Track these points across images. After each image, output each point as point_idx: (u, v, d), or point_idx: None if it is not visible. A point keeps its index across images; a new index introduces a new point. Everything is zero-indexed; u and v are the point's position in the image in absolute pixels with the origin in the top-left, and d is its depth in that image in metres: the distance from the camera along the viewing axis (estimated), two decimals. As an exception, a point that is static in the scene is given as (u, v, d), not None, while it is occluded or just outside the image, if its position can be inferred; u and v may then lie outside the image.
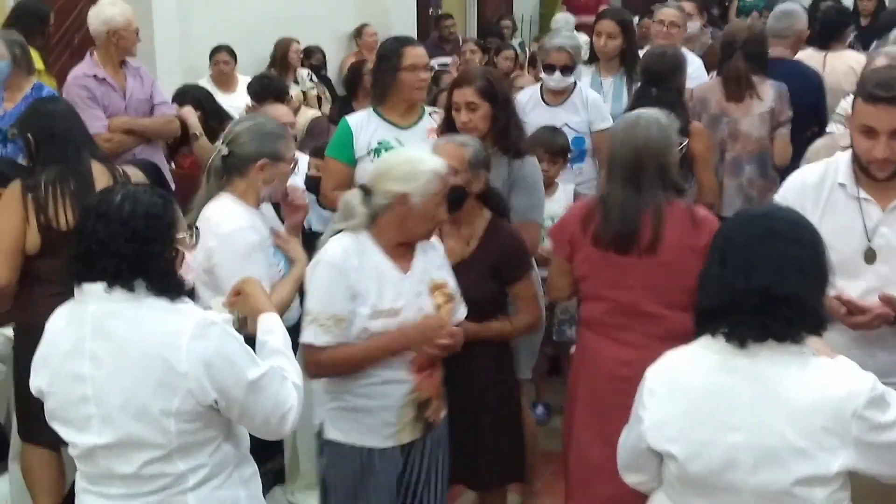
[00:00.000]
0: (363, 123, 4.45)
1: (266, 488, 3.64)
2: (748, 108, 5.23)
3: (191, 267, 2.64)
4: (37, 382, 2.61)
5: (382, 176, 3.20)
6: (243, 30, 8.31)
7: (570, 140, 5.13)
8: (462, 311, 3.44)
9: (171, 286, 2.53)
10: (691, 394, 2.39)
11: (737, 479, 2.33)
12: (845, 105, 4.27)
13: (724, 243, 2.42)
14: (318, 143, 5.35)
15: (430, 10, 11.90)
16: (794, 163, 4.67)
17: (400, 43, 4.55)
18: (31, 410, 3.43)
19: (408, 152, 3.51)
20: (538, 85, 5.43)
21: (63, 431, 2.60)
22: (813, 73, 5.79)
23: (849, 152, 3.18)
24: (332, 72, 9.49)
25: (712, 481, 2.36)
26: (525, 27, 12.96)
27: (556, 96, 5.26)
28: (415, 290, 3.25)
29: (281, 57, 8.40)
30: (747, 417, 2.31)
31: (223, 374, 2.49)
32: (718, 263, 2.39)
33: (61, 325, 2.58)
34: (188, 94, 5.99)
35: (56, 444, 3.45)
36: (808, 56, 6.27)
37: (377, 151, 4.37)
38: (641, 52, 5.94)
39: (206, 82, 7.34)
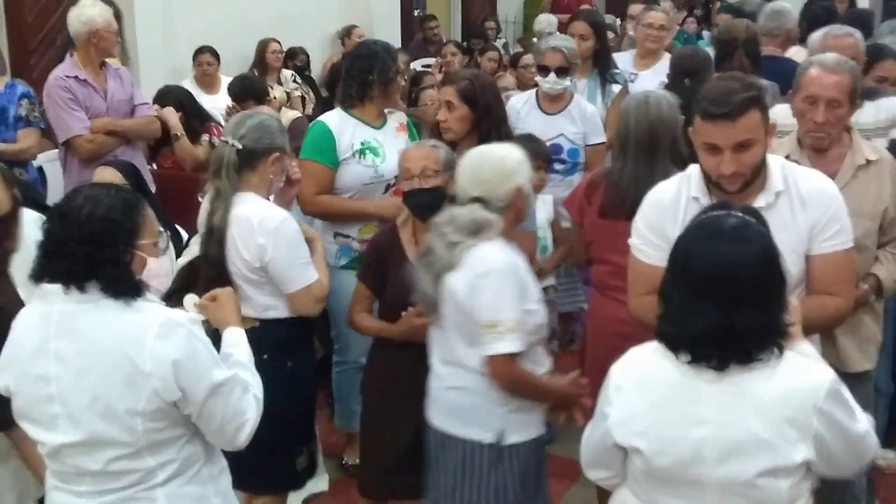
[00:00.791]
0: (342, 125, 4.41)
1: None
2: None
3: (157, 272, 2.63)
4: (3, 381, 2.63)
5: (492, 181, 3.21)
6: (227, 31, 8.32)
7: (566, 151, 5.10)
8: None
9: (124, 290, 2.51)
10: (658, 389, 2.41)
11: (702, 473, 2.37)
12: (771, 115, 4.27)
13: (682, 262, 2.40)
14: (300, 143, 5.36)
15: (416, 12, 11.93)
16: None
17: (392, 49, 4.57)
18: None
19: (480, 152, 3.36)
20: (534, 91, 5.34)
21: (31, 430, 2.62)
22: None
23: (699, 165, 3.10)
24: (316, 73, 9.50)
25: (678, 475, 2.39)
26: (509, 28, 12.99)
27: (553, 104, 5.18)
28: None
29: (260, 58, 8.42)
30: (713, 411, 2.34)
31: (187, 374, 2.51)
32: (679, 287, 2.38)
33: (28, 324, 2.60)
34: (169, 95, 6.02)
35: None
36: (797, 53, 6.44)
37: (362, 153, 4.36)
38: (618, 56, 6.00)
39: (189, 83, 7.35)
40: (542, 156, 4.78)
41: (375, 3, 10.65)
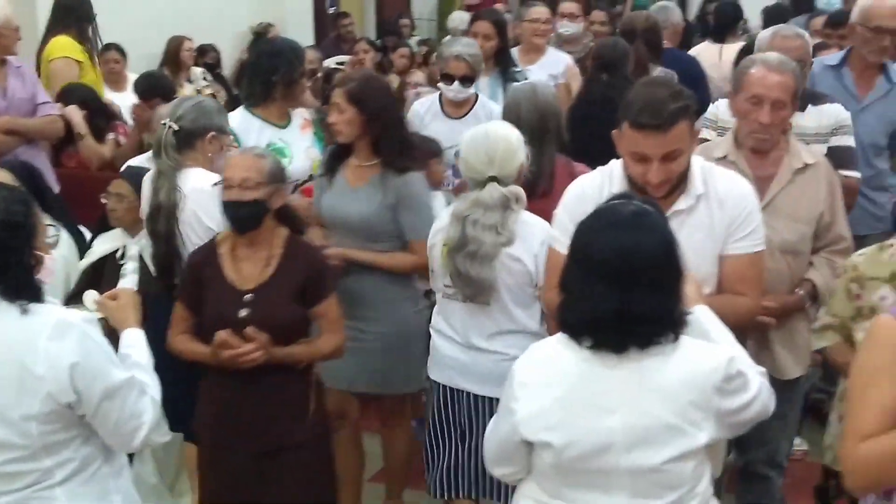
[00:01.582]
0: (246, 126, 4.35)
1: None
2: None
3: (50, 270, 2.60)
4: None
5: (505, 159, 3.48)
6: (134, 28, 8.15)
7: None
8: None
9: (26, 293, 2.48)
10: (565, 381, 2.43)
11: (612, 462, 2.40)
12: (714, 110, 4.36)
13: (581, 248, 2.44)
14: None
15: (330, 9, 11.85)
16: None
17: (299, 49, 4.52)
18: None
19: (484, 134, 3.56)
20: (437, 94, 5.18)
21: None
22: (692, 59, 6.43)
23: (620, 162, 3.15)
24: (227, 70, 9.38)
25: (588, 465, 2.42)
26: (423, 26, 12.99)
27: (457, 108, 5.02)
28: None
29: (172, 55, 8.26)
30: (621, 399, 2.38)
31: (82, 375, 2.47)
32: (579, 273, 2.42)
33: None
34: (73, 94, 5.88)
35: None
36: (705, 48, 7.10)
37: None
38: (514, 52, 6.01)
39: (95, 81, 7.18)
40: (432, 153, 4.73)
41: (288, 0, 10.56)
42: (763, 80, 3.49)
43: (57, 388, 2.45)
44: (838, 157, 4.06)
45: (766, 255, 3.25)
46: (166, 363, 3.08)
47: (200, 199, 3.72)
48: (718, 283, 3.16)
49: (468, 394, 3.60)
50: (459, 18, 9.88)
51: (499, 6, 9.81)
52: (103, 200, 4.09)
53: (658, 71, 5.65)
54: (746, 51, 5.13)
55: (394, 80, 7.05)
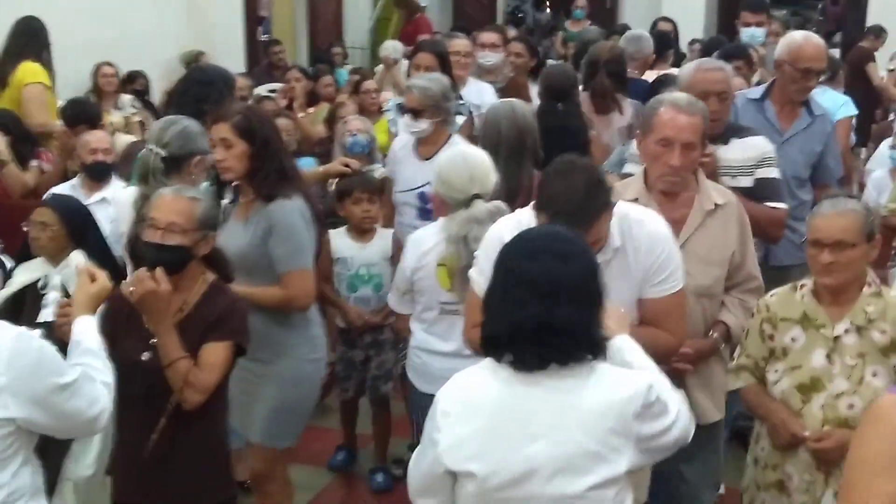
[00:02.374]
0: None
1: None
2: (610, 121, 5.67)
3: None
4: None
5: (484, 177, 3.74)
6: (63, 53, 8.02)
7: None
8: None
9: None
10: (487, 410, 2.44)
11: (535, 489, 2.40)
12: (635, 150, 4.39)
13: (502, 265, 2.49)
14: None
15: (264, 36, 11.80)
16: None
17: (229, 78, 4.48)
18: None
19: (462, 157, 3.82)
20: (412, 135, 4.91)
21: None
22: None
23: (529, 210, 3.13)
24: (156, 97, 9.27)
25: (511, 494, 2.41)
26: (356, 55, 13.00)
27: (427, 148, 4.80)
28: None
29: (95, 82, 8.17)
30: (542, 427, 2.39)
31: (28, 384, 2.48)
32: (499, 289, 2.47)
33: None
34: (-4, 120, 5.76)
35: None
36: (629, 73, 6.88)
37: None
38: None
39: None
40: (375, 188, 4.76)
41: (219, 27, 10.50)
42: (673, 122, 3.45)
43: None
44: (765, 189, 4.12)
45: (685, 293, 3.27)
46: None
47: None
48: (640, 323, 3.18)
49: None
50: (392, 48, 9.88)
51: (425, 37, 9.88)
52: (25, 229, 4.01)
53: (628, 102, 5.74)
54: (661, 80, 5.22)
55: (323, 109, 7.04)
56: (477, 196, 3.69)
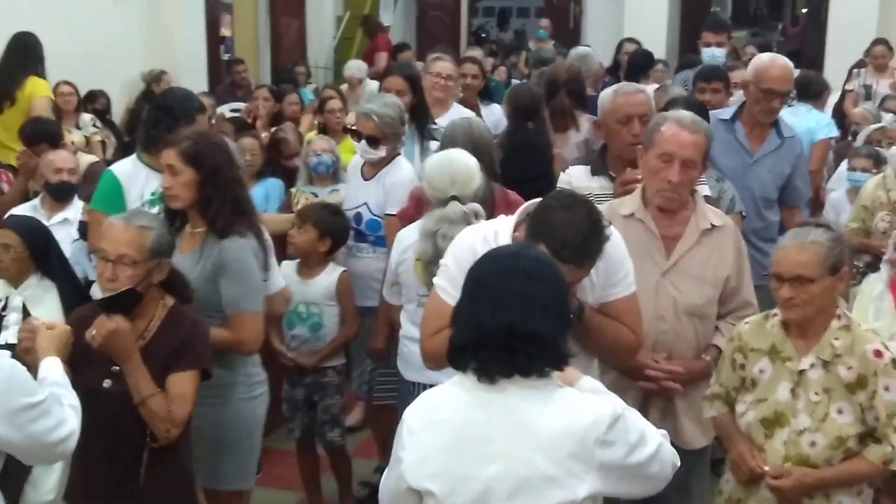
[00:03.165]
0: (132, 175, 4.14)
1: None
2: (567, 138, 5.81)
3: None
4: None
5: (465, 181, 3.84)
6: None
7: (364, 222, 4.80)
8: None
9: None
10: (448, 429, 2.42)
11: None
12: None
13: (475, 280, 2.48)
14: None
15: (226, 55, 11.72)
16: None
17: (194, 99, 4.37)
18: None
19: (449, 159, 3.92)
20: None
21: None
22: None
23: (510, 221, 3.11)
24: (117, 116, 9.16)
25: None
26: (319, 74, 12.96)
27: (371, 168, 4.75)
28: None
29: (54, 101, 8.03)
30: (501, 449, 2.37)
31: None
32: (468, 300, 2.46)
33: None
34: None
35: None
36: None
37: (152, 203, 4.06)
38: None
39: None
40: (334, 229, 4.60)
41: (181, 46, 10.45)
42: (675, 139, 3.43)
43: None
44: None
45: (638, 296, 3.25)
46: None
47: None
48: None
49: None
50: (356, 67, 9.89)
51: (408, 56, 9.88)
52: (-15, 252, 3.92)
53: (585, 117, 5.84)
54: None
55: (288, 129, 6.97)
56: (455, 198, 3.80)
